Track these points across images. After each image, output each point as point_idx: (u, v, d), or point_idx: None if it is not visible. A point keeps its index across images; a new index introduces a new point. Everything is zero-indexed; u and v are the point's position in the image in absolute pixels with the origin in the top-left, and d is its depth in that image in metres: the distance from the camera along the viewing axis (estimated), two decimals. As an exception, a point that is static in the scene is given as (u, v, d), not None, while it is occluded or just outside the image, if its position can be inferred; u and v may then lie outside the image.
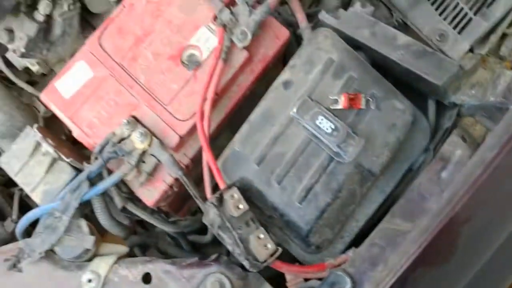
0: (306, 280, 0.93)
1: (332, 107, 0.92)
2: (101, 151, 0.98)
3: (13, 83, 1.31)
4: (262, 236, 0.87)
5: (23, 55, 1.24)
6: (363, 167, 0.91)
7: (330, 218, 0.92)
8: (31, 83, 1.31)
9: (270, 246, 0.87)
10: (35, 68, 1.28)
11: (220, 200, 0.88)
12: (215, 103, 1.04)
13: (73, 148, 1.20)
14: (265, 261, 0.86)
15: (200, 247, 1.24)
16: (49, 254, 1.00)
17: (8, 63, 1.29)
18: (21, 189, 1.35)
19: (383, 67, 1.02)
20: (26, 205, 1.30)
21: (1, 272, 0.99)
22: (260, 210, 0.99)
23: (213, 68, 0.99)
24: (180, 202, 1.24)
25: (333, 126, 0.88)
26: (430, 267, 0.84)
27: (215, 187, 0.98)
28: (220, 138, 1.10)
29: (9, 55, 1.28)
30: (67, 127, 1.11)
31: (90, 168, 0.98)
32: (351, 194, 0.92)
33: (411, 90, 1.02)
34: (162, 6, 1.07)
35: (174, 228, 1.13)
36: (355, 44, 1.03)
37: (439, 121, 1.04)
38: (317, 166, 0.91)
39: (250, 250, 0.87)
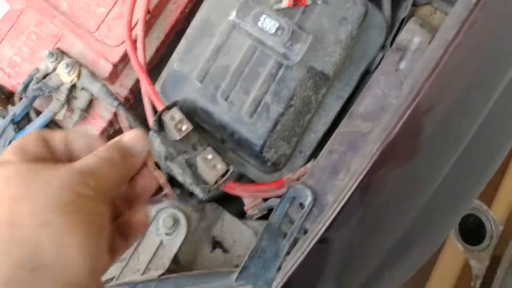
0: (265, 201, 0.86)
1: (276, 8, 0.82)
2: (25, 89, 0.87)
3: None
4: (209, 156, 0.79)
5: None
6: (315, 69, 0.82)
7: (284, 130, 0.83)
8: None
9: (220, 166, 0.79)
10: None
11: (160, 124, 0.80)
12: (149, 24, 0.94)
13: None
14: (216, 182, 0.78)
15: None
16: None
17: None
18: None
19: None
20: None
21: None
22: (211, 135, 0.90)
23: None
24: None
25: (277, 25, 0.78)
26: (394, 167, 0.76)
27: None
28: (163, 66, 1.00)
29: None
30: None
31: (13, 110, 0.87)
32: (305, 102, 0.84)
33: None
34: None
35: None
36: None
37: (395, 16, 0.95)
38: (266, 75, 0.82)
39: (199, 175, 0.79)
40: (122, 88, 0.94)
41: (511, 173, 2.03)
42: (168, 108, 0.79)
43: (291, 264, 0.77)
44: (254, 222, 0.93)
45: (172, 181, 1.08)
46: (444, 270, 2.05)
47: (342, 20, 0.83)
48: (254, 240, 0.91)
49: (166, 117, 0.78)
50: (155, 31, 0.96)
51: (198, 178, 0.79)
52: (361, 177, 0.74)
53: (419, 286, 1.97)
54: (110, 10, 0.92)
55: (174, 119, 0.78)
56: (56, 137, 0.48)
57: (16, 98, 0.90)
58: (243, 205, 0.96)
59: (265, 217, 0.93)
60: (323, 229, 0.75)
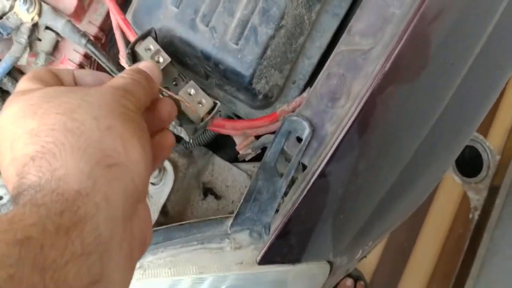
0: (258, 138, 0.78)
1: None
2: (-21, 33, 0.77)
3: None
4: (193, 91, 0.69)
5: None
6: (307, -19, 0.72)
7: (275, 56, 0.74)
8: None
9: (205, 101, 0.69)
10: None
11: (134, 57, 0.70)
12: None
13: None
14: (202, 120, 0.70)
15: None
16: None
17: None
18: None
19: None
20: None
21: None
22: (193, 71, 0.81)
23: None
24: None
25: None
26: (400, 85, 0.68)
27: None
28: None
29: None
30: None
31: (-31, 57, 0.78)
32: (297, 21, 0.74)
33: None
34: None
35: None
36: None
37: None
38: (251, -8, 0.72)
39: (183, 113, 0.70)
40: (91, 25, 0.84)
41: (507, 101, 1.96)
42: (142, 38, 0.69)
43: (290, 204, 0.69)
44: (247, 165, 0.85)
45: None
46: (442, 204, 2.01)
47: None
48: (248, 183, 0.83)
49: (139, 49, 0.68)
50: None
51: (182, 117, 0.70)
52: (364, 100, 0.66)
53: (417, 221, 1.93)
54: None
55: (150, 50, 0.69)
56: (64, 72, 0.52)
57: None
58: (234, 151, 0.89)
59: (258, 158, 0.86)
60: (324, 162, 0.67)
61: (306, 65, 0.79)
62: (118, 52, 0.83)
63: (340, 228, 0.75)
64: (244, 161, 0.85)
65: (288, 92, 0.80)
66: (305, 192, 0.68)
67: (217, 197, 0.82)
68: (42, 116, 0.42)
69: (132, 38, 0.73)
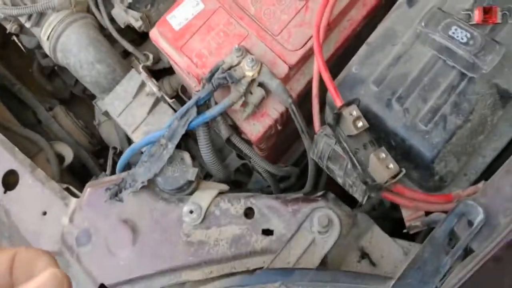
0: (427, 214, 0.84)
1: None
2: (211, 77, 0.95)
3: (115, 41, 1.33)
4: (383, 155, 0.79)
5: (129, 6, 1.26)
6: (499, 86, 0.81)
7: (458, 144, 0.82)
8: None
9: (393, 166, 0.79)
10: (138, 23, 1.27)
11: (338, 119, 0.82)
12: (325, 35, 0.98)
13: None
14: (386, 182, 0.78)
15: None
16: (150, 186, 0.98)
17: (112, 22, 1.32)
18: (114, 148, 1.39)
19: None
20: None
21: (102, 201, 0.98)
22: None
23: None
24: (277, 152, 1.19)
25: (468, 35, 0.79)
26: None
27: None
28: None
29: (114, 12, 1.31)
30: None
31: (199, 94, 0.95)
32: (481, 120, 0.82)
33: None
34: None
35: (276, 170, 1.08)
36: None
37: None
38: (446, 85, 0.82)
39: (368, 173, 0.80)
40: (292, 92, 0.99)
41: None
42: (348, 104, 0.82)
43: (453, 282, 0.73)
44: (405, 242, 0.90)
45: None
46: None
47: (532, 40, 0.82)
48: (403, 259, 0.88)
49: (345, 112, 0.81)
50: (327, 44, 1.01)
51: (367, 176, 0.79)
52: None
53: None
54: (292, 18, 0.99)
55: (353, 115, 0.80)
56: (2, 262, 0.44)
57: (201, 84, 0.97)
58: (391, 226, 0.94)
59: (412, 238, 0.91)
60: (496, 248, 0.71)
61: (479, 162, 0.86)
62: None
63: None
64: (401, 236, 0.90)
65: (458, 182, 0.86)
66: (471, 272, 0.71)
67: (372, 263, 0.88)
68: None
69: (337, 99, 0.85)
